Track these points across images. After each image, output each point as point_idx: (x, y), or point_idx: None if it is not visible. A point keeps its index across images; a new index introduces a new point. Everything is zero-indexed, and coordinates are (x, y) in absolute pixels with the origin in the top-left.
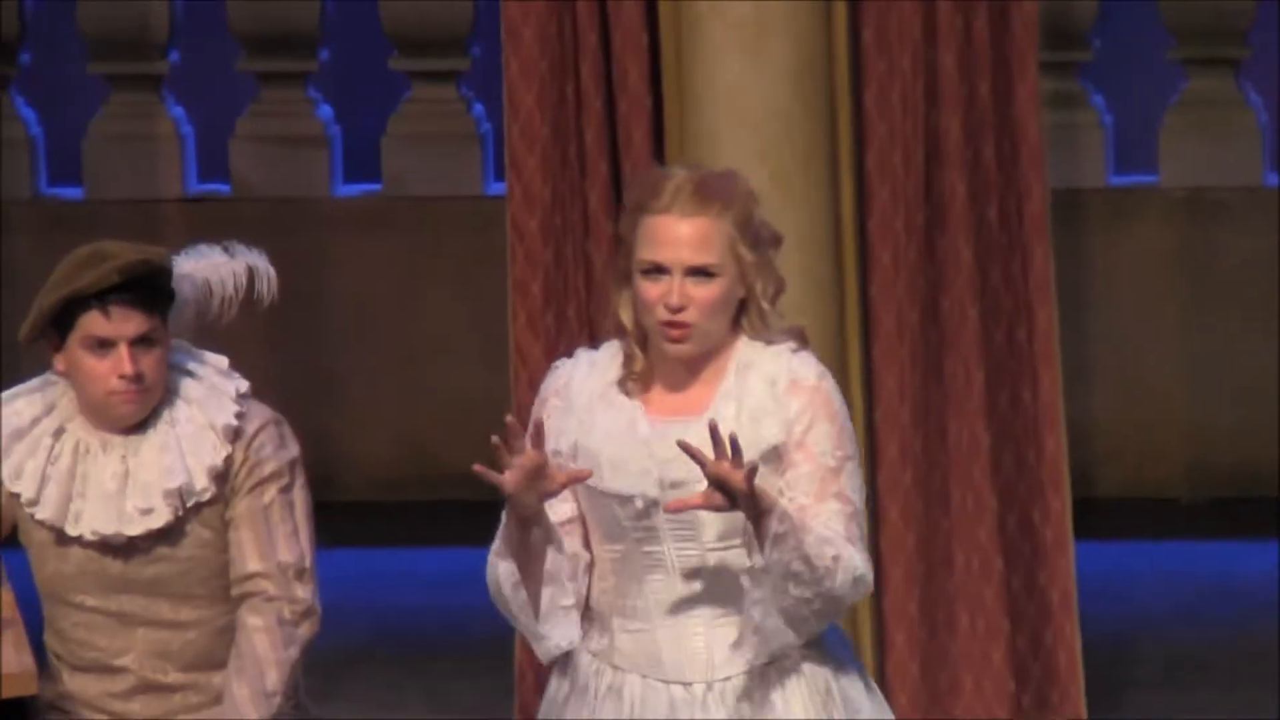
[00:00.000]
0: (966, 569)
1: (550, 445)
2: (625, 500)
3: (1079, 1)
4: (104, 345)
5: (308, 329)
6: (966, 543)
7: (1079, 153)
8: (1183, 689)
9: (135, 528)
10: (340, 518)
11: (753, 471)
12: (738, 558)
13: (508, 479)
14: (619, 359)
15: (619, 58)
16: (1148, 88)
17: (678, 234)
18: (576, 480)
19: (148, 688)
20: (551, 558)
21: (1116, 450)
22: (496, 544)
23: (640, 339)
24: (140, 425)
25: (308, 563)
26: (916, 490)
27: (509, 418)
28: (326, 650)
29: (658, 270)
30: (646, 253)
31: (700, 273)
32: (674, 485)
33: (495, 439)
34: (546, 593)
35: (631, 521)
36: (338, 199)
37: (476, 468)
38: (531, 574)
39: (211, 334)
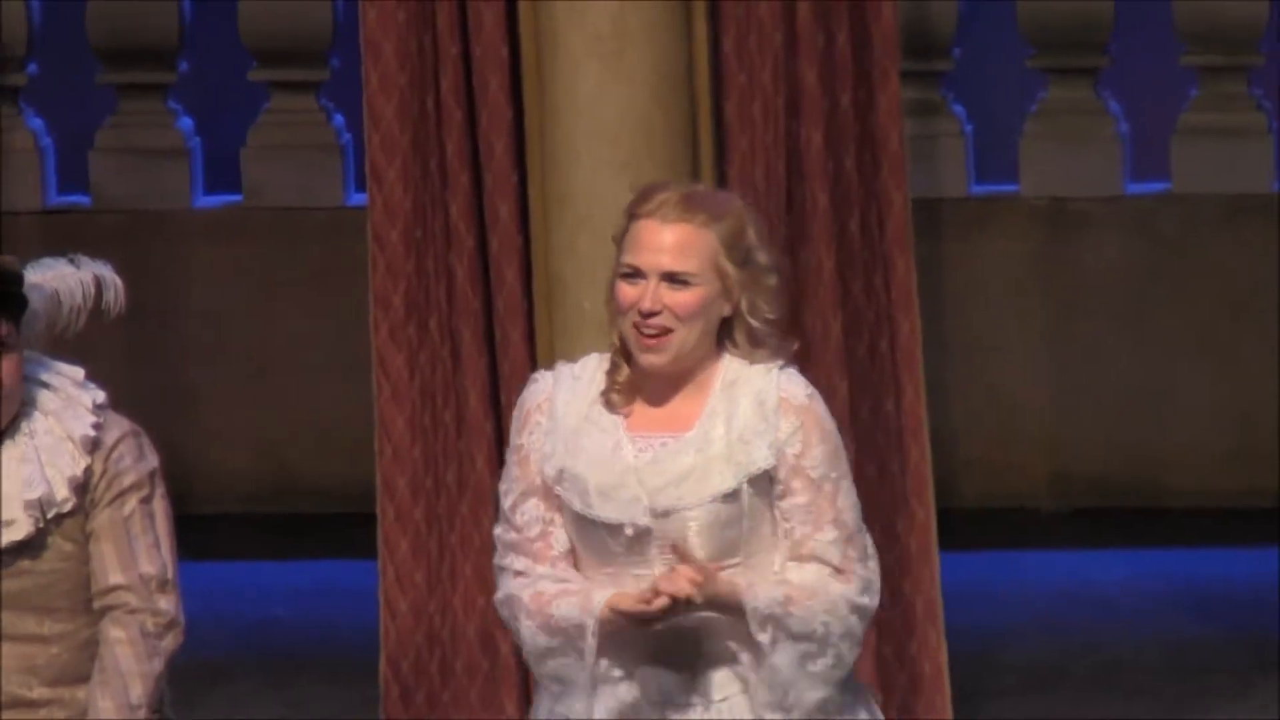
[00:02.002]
0: None
1: (536, 468)
2: (614, 528)
3: (940, 10)
4: None
5: (167, 341)
6: None
7: (940, 162)
8: (1044, 697)
9: None
10: (199, 531)
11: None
12: (729, 577)
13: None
14: (602, 372)
15: (479, 69)
16: (1008, 97)
17: (658, 239)
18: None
19: (13, 703)
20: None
21: (977, 460)
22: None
23: (625, 351)
24: None
25: (170, 574)
26: None
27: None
28: (189, 663)
29: (635, 274)
30: (627, 256)
31: (676, 279)
32: (664, 513)
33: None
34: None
35: (621, 547)
36: (198, 210)
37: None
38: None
39: (71, 346)
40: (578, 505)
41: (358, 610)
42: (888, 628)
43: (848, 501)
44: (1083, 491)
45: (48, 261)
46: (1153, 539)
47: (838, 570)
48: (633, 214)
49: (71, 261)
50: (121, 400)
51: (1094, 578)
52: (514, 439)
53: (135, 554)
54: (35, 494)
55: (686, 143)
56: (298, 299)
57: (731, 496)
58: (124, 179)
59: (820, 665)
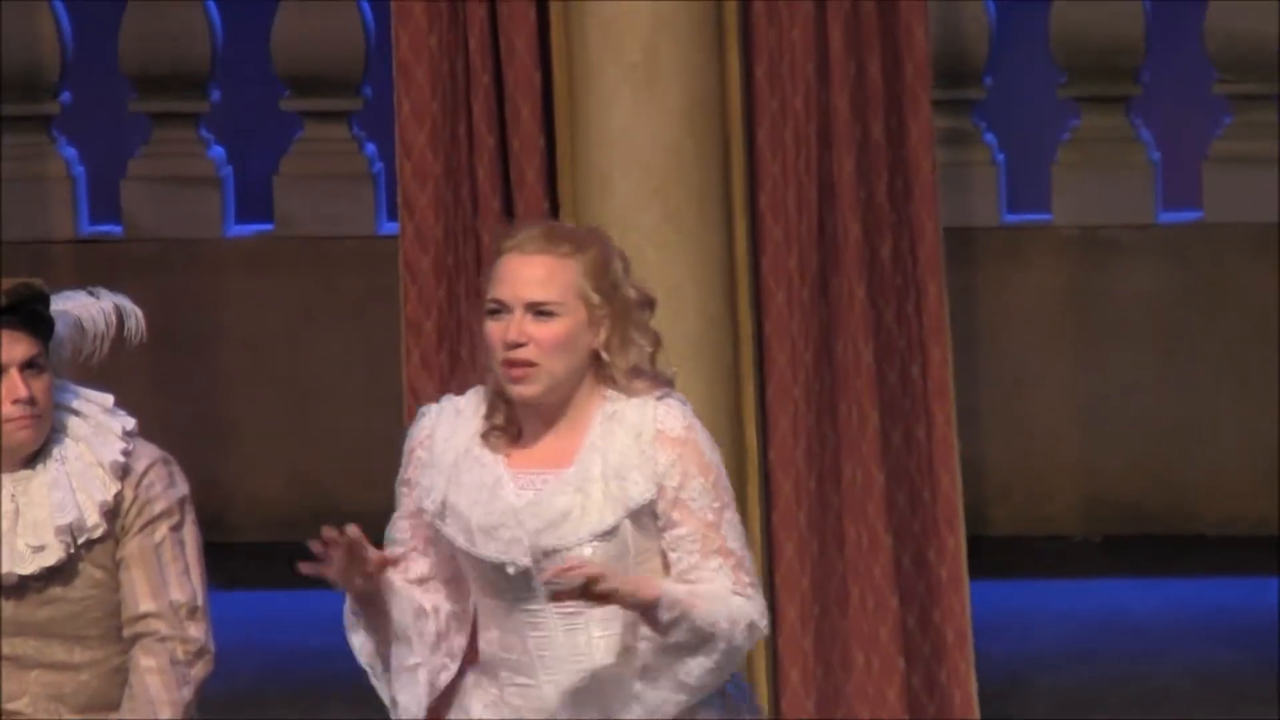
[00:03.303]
0: (861, 607)
1: (415, 500)
2: (498, 567)
3: (971, 38)
4: None
5: (199, 369)
6: (861, 581)
7: (972, 191)
8: None
9: (28, 566)
10: (233, 559)
11: (597, 583)
12: (619, 610)
13: (329, 573)
14: (483, 408)
15: (511, 96)
16: (1040, 125)
17: (520, 271)
18: (388, 564)
19: None
20: (397, 618)
21: (1009, 488)
22: (346, 615)
23: (501, 391)
24: (29, 463)
25: (200, 601)
26: (811, 530)
27: (325, 532)
28: (220, 691)
29: (500, 308)
30: (491, 291)
31: (540, 311)
32: (546, 554)
33: (314, 543)
34: (396, 652)
35: (507, 584)
36: (230, 239)
37: (312, 544)
38: (382, 638)
39: (103, 375)
40: (461, 542)
41: None
42: (918, 656)
43: (733, 532)
44: (1115, 519)
45: (68, 293)
46: (1185, 567)
47: (733, 593)
48: (497, 250)
49: (90, 293)
50: (154, 429)
51: (1126, 606)
52: (401, 474)
53: (166, 581)
54: (66, 519)
55: (718, 170)
56: (330, 328)
57: (611, 533)
58: (156, 208)
59: (704, 662)
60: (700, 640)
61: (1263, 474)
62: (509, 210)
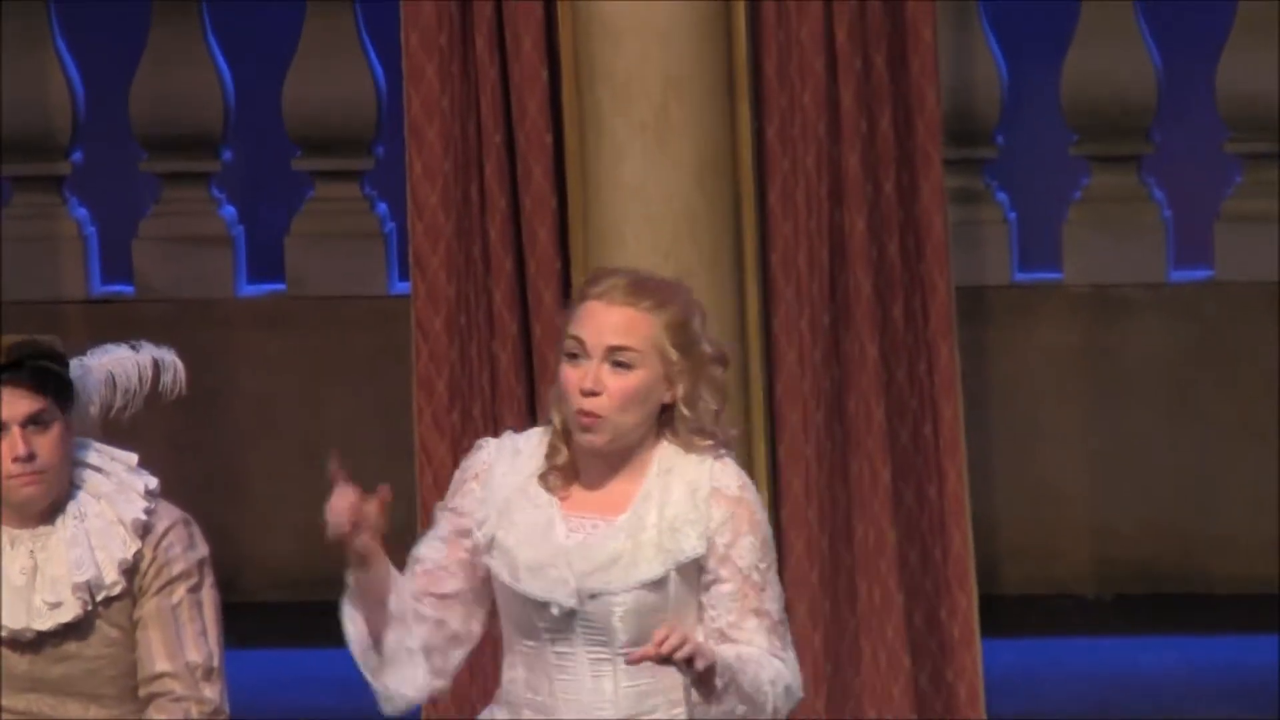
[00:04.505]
0: (873, 665)
1: (465, 524)
2: (540, 606)
3: (983, 97)
4: None
5: (211, 428)
6: (873, 639)
7: (983, 249)
8: None
9: (44, 622)
10: (246, 618)
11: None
12: (650, 662)
13: (337, 514)
14: (543, 449)
15: (523, 156)
16: (1051, 184)
17: (603, 319)
18: (383, 503)
19: None
20: (395, 600)
21: (1021, 547)
22: (345, 601)
23: (565, 433)
24: (48, 519)
25: (216, 663)
26: (823, 588)
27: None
28: None
29: (578, 352)
30: (572, 329)
31: (619, 362)
32: (592, 597)
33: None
34: (391, 635)
35: (546, 624)
36: (241, 299)
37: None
38: (378, 618)
39: (116, 434)
40: (506, 578)
41: None
42: (931, 715)
43: (773, 593)
44: (1127, 578)
45: (109, 346)
46: (1198, 625)
47: (771, 655)
48: (581, 295)
49: (133, 347)
50: (169, 488)
51: (1139, 664)
52: (447, 500)
53: (182, 642)
54: (84, 577)
55: (730, 229)
56: (341, 387)
57: (659, 584)
58: (167, 267)
59: None
60: (747, 705)
61: (1275, 532)
62: (520, 271)
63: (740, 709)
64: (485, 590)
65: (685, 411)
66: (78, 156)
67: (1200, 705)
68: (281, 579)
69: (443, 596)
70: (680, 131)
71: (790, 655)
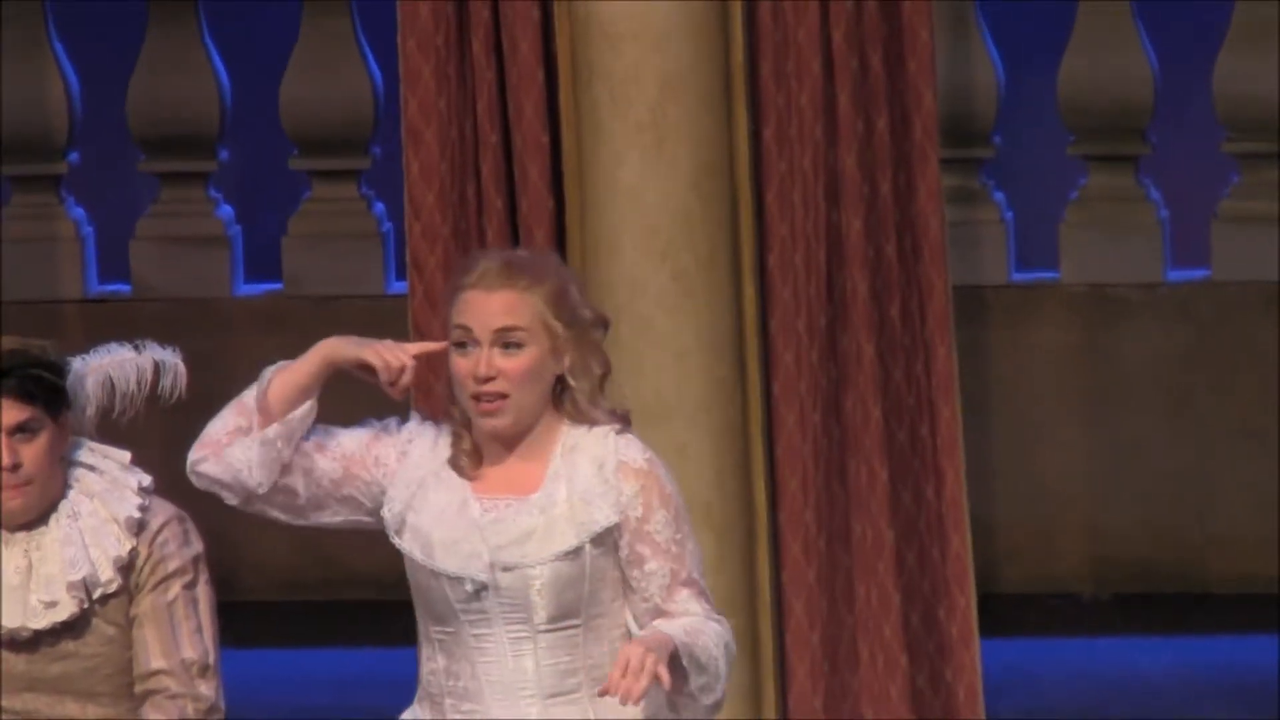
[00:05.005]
0: (871, 665)
1: (377, 456)
2: (455, 581)
3: (980, 97)
4: None
5: None
6: (871, 639)
7: (980, 249)
8: None
9: (40, 621)
10: (242, 618)
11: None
12: (569, 639)
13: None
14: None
15: (520, 158)
16: (1048, 184)
17: (485, 305)
18: (432, 350)
19: None
20: (299, 421)
21: (1019, 547)
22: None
23: (465, 420)
24: (42, 519)
25: (211, 660)
26: (820, 588)
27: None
28: None
29: (466, 340)
30: (455, 321)
31: (508, 343)
32: (505, 569)
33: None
34: (273, 429)
35: (462, 604)
36: (238, 298)
37: None
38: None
39: (114, 434)
40: (419, 556)
41: (400, 698)
42: (929, 714)
43: (694, 560)
44: (1125, 578)
45: (111, 346)
46: (1195, 625)
47: (707, 618)
48: (457, 287)
49: (135, 347)
50: (165, 486)
51: (1136, 664)
52: (383, 426)
53: (178, 639)
54: (79, 575)
55: (727, 231)
56: (338, 387)
57: (574, 555)
58: (165, 267)
59: (709, 700)
60: (705, 675)
61: (1272, 532)
62: None
63: (699, 680)
64: (328, 494)
65: (574, 381)
66: (75, 157)
67: (1199, 706)
68: (277, 578)
69: (319, 450)
70: (677, 133)
71: (721, 615)
